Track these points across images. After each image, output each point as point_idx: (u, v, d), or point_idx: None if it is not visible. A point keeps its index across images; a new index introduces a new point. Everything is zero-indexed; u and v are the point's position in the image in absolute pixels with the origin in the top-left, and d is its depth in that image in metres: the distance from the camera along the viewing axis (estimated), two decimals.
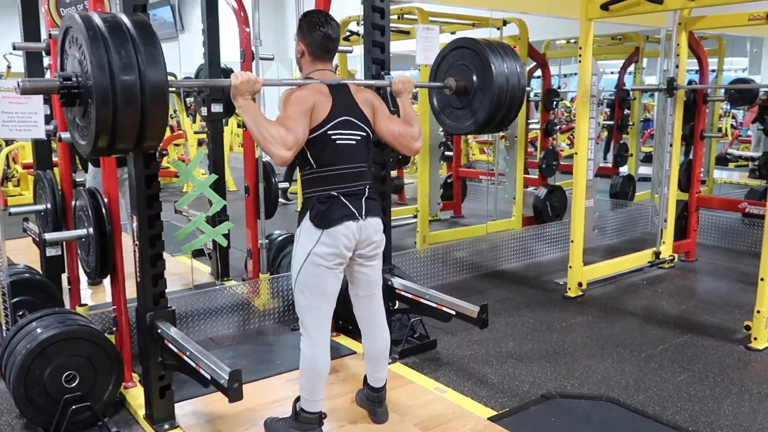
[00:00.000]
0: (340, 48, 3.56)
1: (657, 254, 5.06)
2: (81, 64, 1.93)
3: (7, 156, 7.89)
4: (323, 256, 2.38)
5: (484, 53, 2.85)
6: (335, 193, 2.40)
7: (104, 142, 1.94)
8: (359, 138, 2.47)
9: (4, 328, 3.12)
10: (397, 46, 3.67)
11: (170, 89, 2.09)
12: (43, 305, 3.24)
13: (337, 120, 2.41)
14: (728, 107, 10.60)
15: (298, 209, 2.63)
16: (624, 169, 7.46)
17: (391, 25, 5.73)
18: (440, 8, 5.39)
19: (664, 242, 5.09)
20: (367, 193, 2.47)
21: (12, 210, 3.55)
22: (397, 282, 3.21)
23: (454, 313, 2.92)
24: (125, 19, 1.96)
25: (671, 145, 4.94)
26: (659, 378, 3.25)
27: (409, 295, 3.12)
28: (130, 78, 1.87)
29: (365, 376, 2.77)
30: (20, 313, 3.23)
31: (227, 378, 2.13)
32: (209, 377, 2.24)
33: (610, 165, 7.50)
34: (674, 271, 5.13)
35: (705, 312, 4.21)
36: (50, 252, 3.67)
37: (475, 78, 2.90)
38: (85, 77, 1.90)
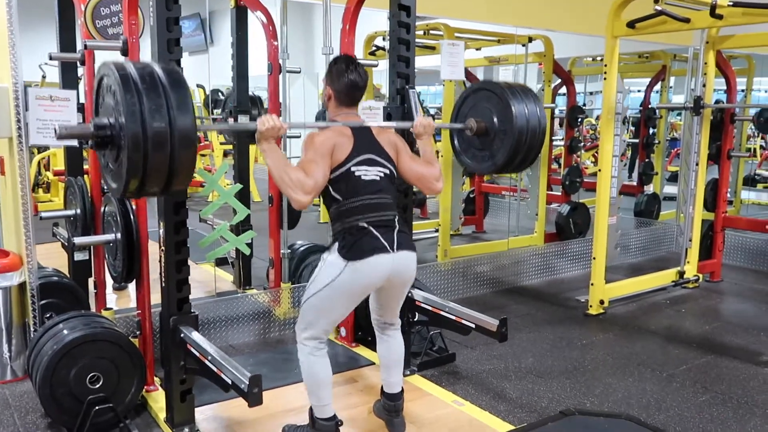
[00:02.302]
0: (365, 61, 3.63)
1: (681, 274, 5.00)
2: (114, 110, 1.99)
3: (39, 163, 8.07)
4: (343, 289, 2.40)
5: (504, 96, 2.89)
6: (364, 224, 2.40)
7: (134, 185, 2.00)
8: (383, 174, 2.51)
9: (32, 329, 3.20)
10: (422, 62, 3.72)
11: (198, 132, 2.14)
12: (69, 308, 3.32)
13: (360, 158, 2.46)
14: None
15: (321, 220, 2.68)
16: (649, 188, 7.39)
17: (417, 40, 5.81)
18: (466, 24, 5.43)
19: (688, 262, 5.03)
20: (398, 226, 2.48)
21: (43, 214, 3.65)
22: (417, 294, 3.22)
23: (473, 326, 2.92)
24: (157, 69, 2.02)
25: (697, 164, 4.90)
26: (681, 398, 3.21)
27: (429, 308, 3.13)
28: (160, 125, 1.93)
29: (381, 386, 2.79)
30: (48, 315, 3.31)
31: (247, 383, 2.16)
32: (230, 382, 2.27)
33: (635, 183, 7.43)
34: (698, 292, 5.07)
35: (729, 333, 4.15)
36: (78, 256, 3.77)
37: (495, 120, 2.93)
38: (118, 124, 1.96)
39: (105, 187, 3.73)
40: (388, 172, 2.53)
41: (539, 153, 3.04)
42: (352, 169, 2.43)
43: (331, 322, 2.56)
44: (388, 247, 2.40)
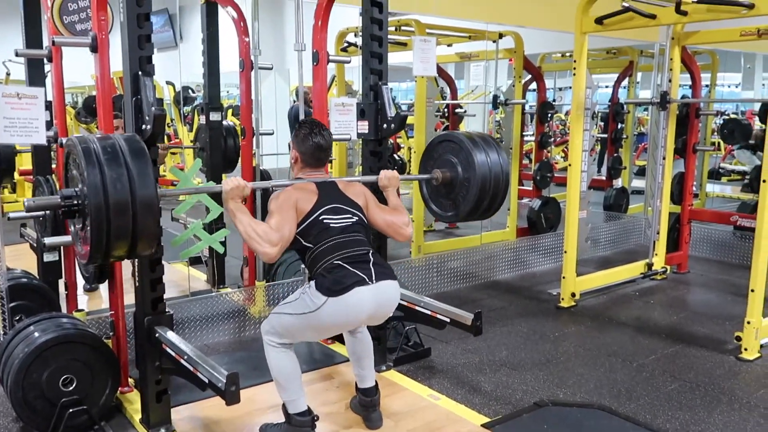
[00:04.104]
0: (337, 58, 3.63)
1: (649, 266, 5.11)
2: (80, 182, 2.12)
3: None
4: (320, 323, 2.44)
5: (466, 147, 2.96)
6: (338, 262, 2.43)
7: (100, 250, 2.10)
8: (352, 220, 2.57)
9: (1, 332, 3.14)
10: (394, 58, 3.75)
11: (161, 192, 2.25)
12: (40, 310, 3.26)
13: (325, 208, 2.52)
14: (721, 122, 10.71)
15: None
16: (618, 182, 7.53)
17: (389, 36, 5.83)
18: (437, 20, 5.46)
19: (656, 254, 5.14)
20: (372, 259, 2.50)
21: (11, 215, 3.56)
22: None
23: (448, 320, 2.95)
24: (121, 143, 2.14)
25: (664, 158, 5.00)
26: (650, 387, 3.28)
27: (404, 303, 3.15)
28: (121, 196, 2.05)
29: (356, 382, 2.81)
30: (17, 317, 3.24)
31: (224, 381, 2.16)
32: (207, 380, 2.27)
33: (603, 177, 7.56)
34: (666, 283, 5.18)
35: (696, 323, 4.26)
36: (48, 258, 3.69)
37: (460, 170, 3.00)
38: (83, 195, 2.09)
39: None
40: (356, 218, 2.59)
41: (504, 200, 3.13)
42: (320, 217, 2.50)
43: (300, 340, 2.62)
44: (367, 279, 2.41)
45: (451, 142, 3.06)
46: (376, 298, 2.42)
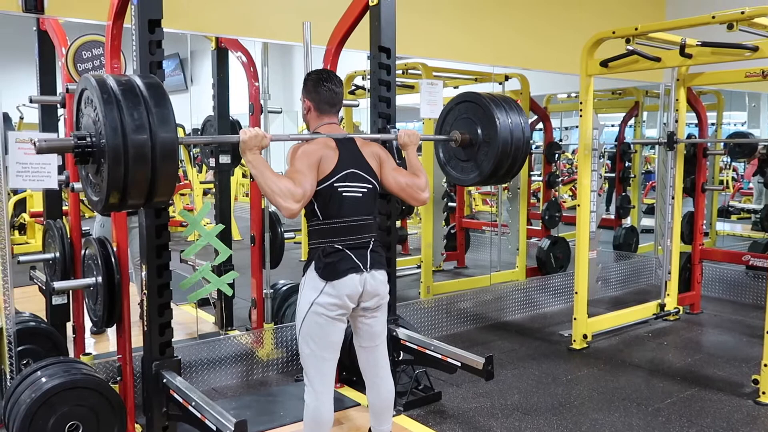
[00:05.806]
0: (346, 102, 3.67)
1: (662, 306, 5.05)
2: (95, 123, 2.01)
3: (15, 204, 7.96)
4: (326, 307, 2.41)
5: (488, 107, 2.93)
6: (340, 246, 2.44)
7: (115, 198, 2.01)
8: (366, 190, 2.53)
9: (8, 377, 3.11)
10: (402, 100, 3.79)
11: (180, 144, 2.14)
12: (47, 354, 3.25)
13: (344, 172, 2.47)
14: (729, 160, 10.72)
15: (303, 258, 2.68)
16: (627, 221, 7.50)
17: (397, 79, 5.91)
18: (444, 64, 5.53)
19: (668, 294, 5.08)
20: (372, 246, 2.51)
21: (21, 258, 3.59)
22: (401, 333, 3.21)
23: (459, 364, 2.91)
24: (138, 81, 2.04)
25: (673, 198, 4.99)
26: None
27: (414, 346, 3.11)
28: (141, 138, 1.95)
29: (369, 429, 2.76)
30: (24, 361, 3.23)
31: (233, 428, 2.13)
32: (215, 428, 2.24)
33: (612, 216, 7.53)
34: (679, 324, 5.11)
35: (712, 365, 4.18)
36: (56, 300, 3.69)
37: (479, 131, 2.97)
38: (99, 137, 1.98)
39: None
40: (371, 186, 2.55)
41: (524, 163, 3.08)
42: (336, 184, 2.45)
43: (330, 351, 2.47)
44: (361, 267, 2.45)
45: (472, 102, 3.01)
46: (365, 284, 2.46)
